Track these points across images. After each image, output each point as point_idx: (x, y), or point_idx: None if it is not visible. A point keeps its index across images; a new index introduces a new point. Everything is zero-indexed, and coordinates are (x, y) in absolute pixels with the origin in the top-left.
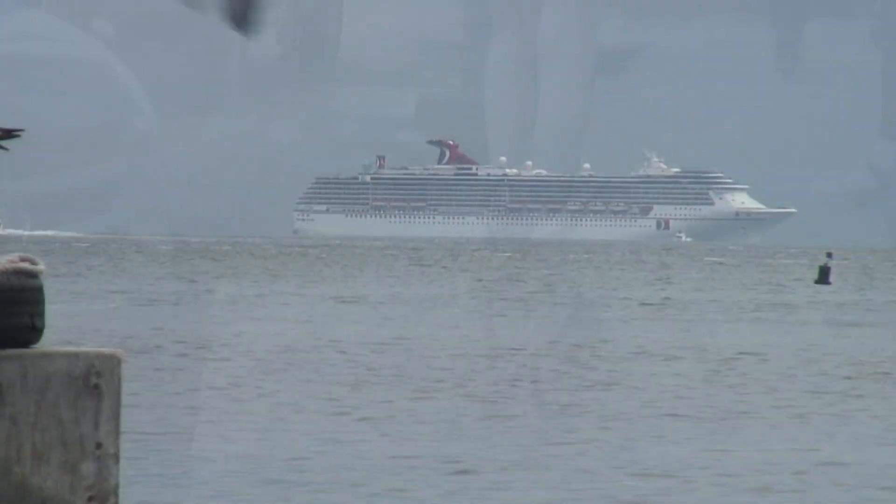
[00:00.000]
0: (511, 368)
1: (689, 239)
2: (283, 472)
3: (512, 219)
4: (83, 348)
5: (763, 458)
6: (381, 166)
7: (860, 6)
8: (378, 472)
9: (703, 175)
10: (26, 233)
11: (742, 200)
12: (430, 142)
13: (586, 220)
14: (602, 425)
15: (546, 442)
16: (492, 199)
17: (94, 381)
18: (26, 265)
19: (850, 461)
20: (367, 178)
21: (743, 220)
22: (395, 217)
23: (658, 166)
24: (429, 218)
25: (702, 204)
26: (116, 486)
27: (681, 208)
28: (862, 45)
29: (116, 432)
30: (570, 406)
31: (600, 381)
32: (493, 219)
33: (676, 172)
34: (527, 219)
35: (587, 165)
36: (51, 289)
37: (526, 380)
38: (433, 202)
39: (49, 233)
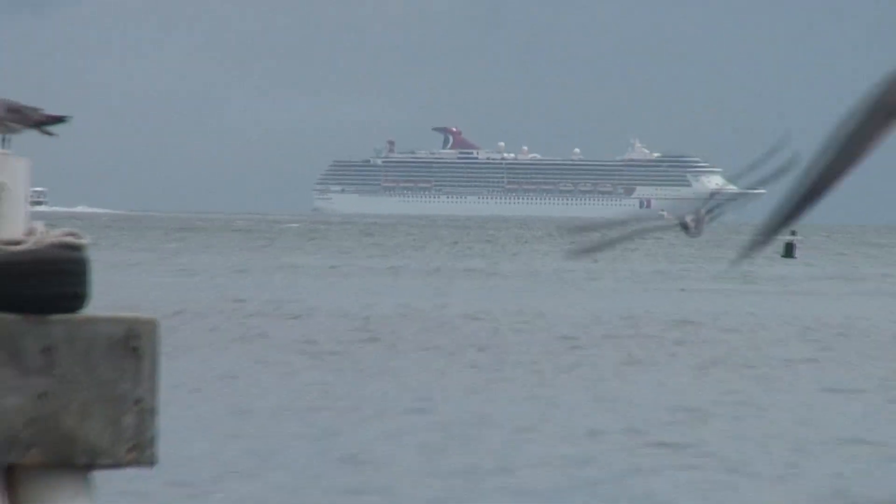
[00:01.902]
0: None
1: (670, 217)
2: None
3: (509, 198)
4: (123, 314)
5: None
6: (391, 150)
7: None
8: None
9: (681, 159)
10: (76, 209)
11: (716, 182)
12: (436, 129)
13: (576, 199)
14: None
15: None
16: (491, 180)
17: (134, 344)
18: (72, 239)
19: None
20: (379, 162)
21: (716, 200)
22: (403, 196)
23: (641, 151)
24: (434, 197)
25: (680, 185)
26: (153, 438)
27: (661, 189)
28: (832, 37)
29: (154, 389)
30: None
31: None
32: (492, 199)
33: (657, 157)
34: (522, 199)
35: (577, 150)
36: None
37: None
38: (438, 183)
39: (78, 209)
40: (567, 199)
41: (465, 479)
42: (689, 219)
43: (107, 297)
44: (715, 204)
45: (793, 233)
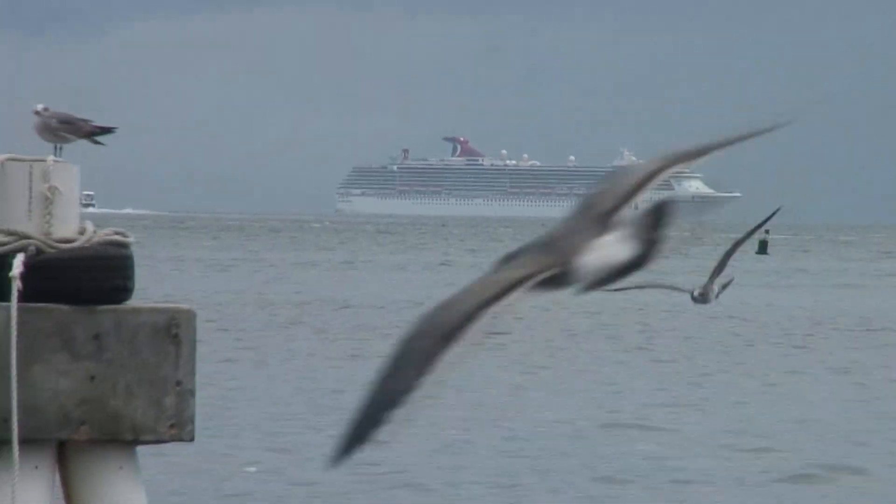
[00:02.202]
0: None
1: None
2: None
3: (511, 201)
4: (165, 304)
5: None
6: (405, 158)
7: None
8: None
9: None
10: (122, 211)
11: (697, 186)
12: (446, 138)
13: (571, 202)
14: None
15: None
16: (495, 185)
17: (175, 331)
18: (118, 237)
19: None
20: (395, 168)
21: (697, 202)
22: (416, 199)
23: (629, 159)
24: (444, 200)
25: (664, 189)
26: (192, 416)
27: (648, 193)
28: (803, 46)
29: (192, 372)
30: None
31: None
32: (495, 201)
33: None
34: (523, 201)
35: (572, 158)
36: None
37: None
38: (447, 187)
39: (125, 211)
40: (563, 202)
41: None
42: (697, 292)
43: (151, 290)
44: (725, 282)
45: (766, 231)
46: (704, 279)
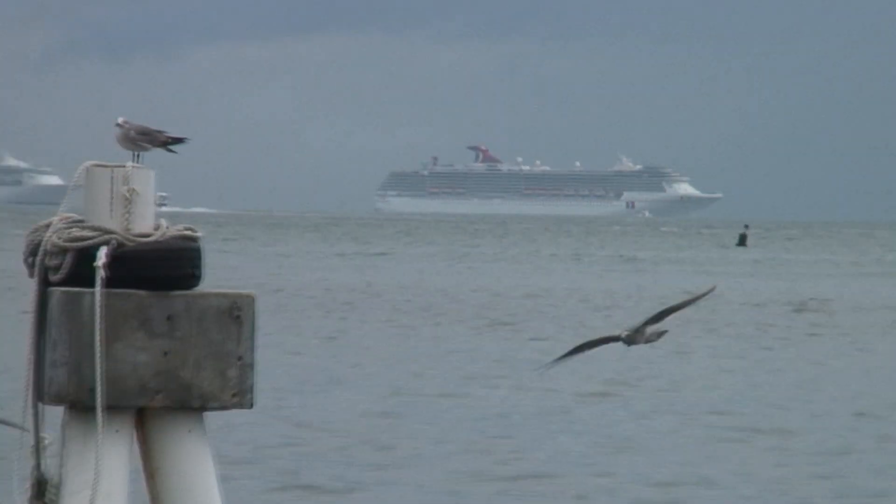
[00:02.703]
0: None
1: (650, 215)
2: None
3: (525, 201)
4: (229, 290)
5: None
6: (434, 164)
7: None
8: None
9: (657, 170)
10: (193, 209)
11: (685, 188)
12: (469, 147)
13: (577, 202)
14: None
15: None
16: (511, 187)
17: (237, 313)
18: (189, 232)
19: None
20: (426, 173)
21: (685, 202)
22: (444, 199)
23: (627, 164)
24: (468, 200)
25: (657, 191)
26: (252, 386)
27: (642, 194)
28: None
29: (252, 348)
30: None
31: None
32: (512, 201)
33: (639, 168)
34: (536, 201)
35: (578, 163)
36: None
37: None
38: (471, 189)
39: (195, 209)
40: (570, 202)
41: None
42: (625, 334)
43: (218, 277)
44: (660, 331)
45: (746, 226)
46: (636, 323)
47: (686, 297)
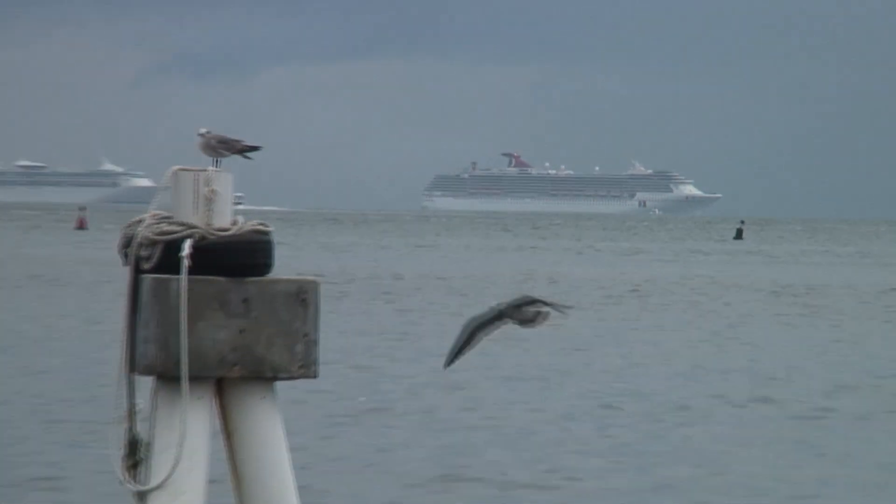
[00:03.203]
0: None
1: (660, 213)
2: None
3: (551, 201)
4: (296, 276)
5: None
6: (474, 169)
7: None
8: None
9: (665, 174)
10: (265, 207)
11: (689, 189)
12: (504, 154)
13: (597, 201)
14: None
15: None
16: (540, 189)
17: (303, 297)
18: (261, 226)
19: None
20: (466, 176)
21: (690, 201)
22: (481, 199)
23: (639, 168)
24: (502, 200)
25: (665, 192)
26: (316, 360)
27: (653, 194)
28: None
29: (316, 327)
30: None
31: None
32: (540, 201)
33: (650, 172)
34: (560, 201)
35: (597, 168)
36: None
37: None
38: (505, 190)
39: (267, 207)
40: (590, 201)
41: None
42: (504, 306)
43: (288, 265)
44: (537, 312)
45: (741, 222)
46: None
47: (554, 300)
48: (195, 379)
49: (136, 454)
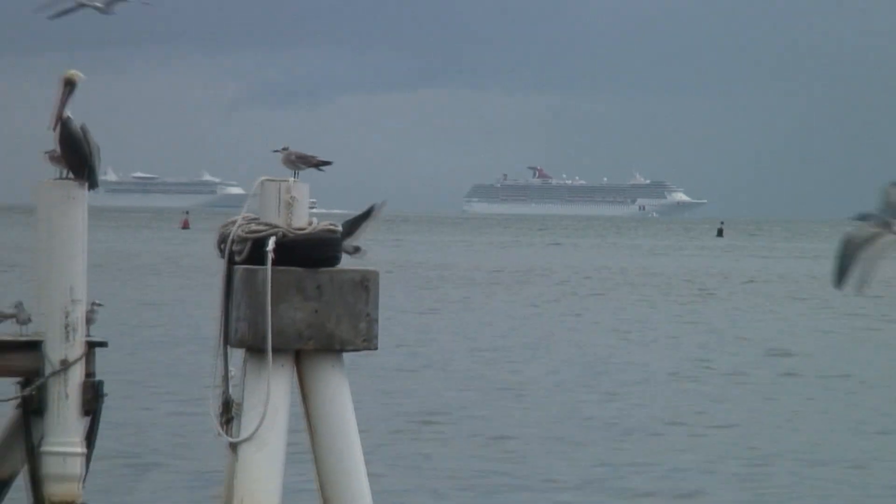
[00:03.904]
0: None
1: (656, 215)
2: None
3: (568, 206)
4: (360, 267)
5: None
6: (504, 179)
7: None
8: None
9: (661, 183)
10: (333, 211)
11: (680, 196)
12: (529, 167)
13: (604, 206)
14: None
15: None
16: (558, 196)
17: (365, 284)
18: (331, 226)
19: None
20: (498, 185)
21: (681, 206)
22: (511, 205)
23: (639, 179)
24: (527, 205)
25: (661, 198)
26: (376, 334)
27: (650, 200)
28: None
29: (376, 308)
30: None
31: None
32: (559, 206)
33: (648, 182)
34: (575, 206)
35: (605, 179)
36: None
37: None
38: (530, 197)
39: (335, 210)
40: (600, 206)
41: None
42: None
43: (352, 259)
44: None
45: (721, 223)
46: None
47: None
48: (277, 351)
49: (229, 412)
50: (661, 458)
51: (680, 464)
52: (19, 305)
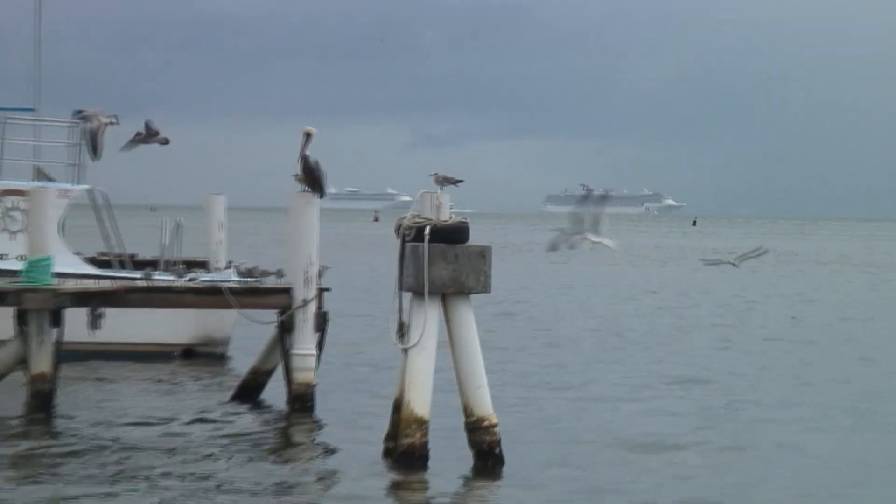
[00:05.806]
0: None
1: (657, 214)
2: None
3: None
4: (480, 244)
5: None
6: (566, 192)
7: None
8: None
9: (658, 193)
10: (464, 210)
11: (670, 201)
12: (580, 184)
13: (623, 208)
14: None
15: None
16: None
17: (484, 253)
18: (464, 220)
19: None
20: (562, 195)
21: (670, 207)
22: (570, 207)
23: (645, 191)
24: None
25: (658, 202)
26: (490, 284)
27: (652, 204)
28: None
29: (490, 268)
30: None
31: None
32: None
33: (651, 192)
34: (606, 208)
35: (625, 190)
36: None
37: None
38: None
39: (466, 210)
40: (619, 209)
41: None
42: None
43: (476, 237)
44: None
45: (696, 217)
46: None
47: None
48: (431, 294)
49: (402, 329)
50: None
51: None
52: (280, 271)
